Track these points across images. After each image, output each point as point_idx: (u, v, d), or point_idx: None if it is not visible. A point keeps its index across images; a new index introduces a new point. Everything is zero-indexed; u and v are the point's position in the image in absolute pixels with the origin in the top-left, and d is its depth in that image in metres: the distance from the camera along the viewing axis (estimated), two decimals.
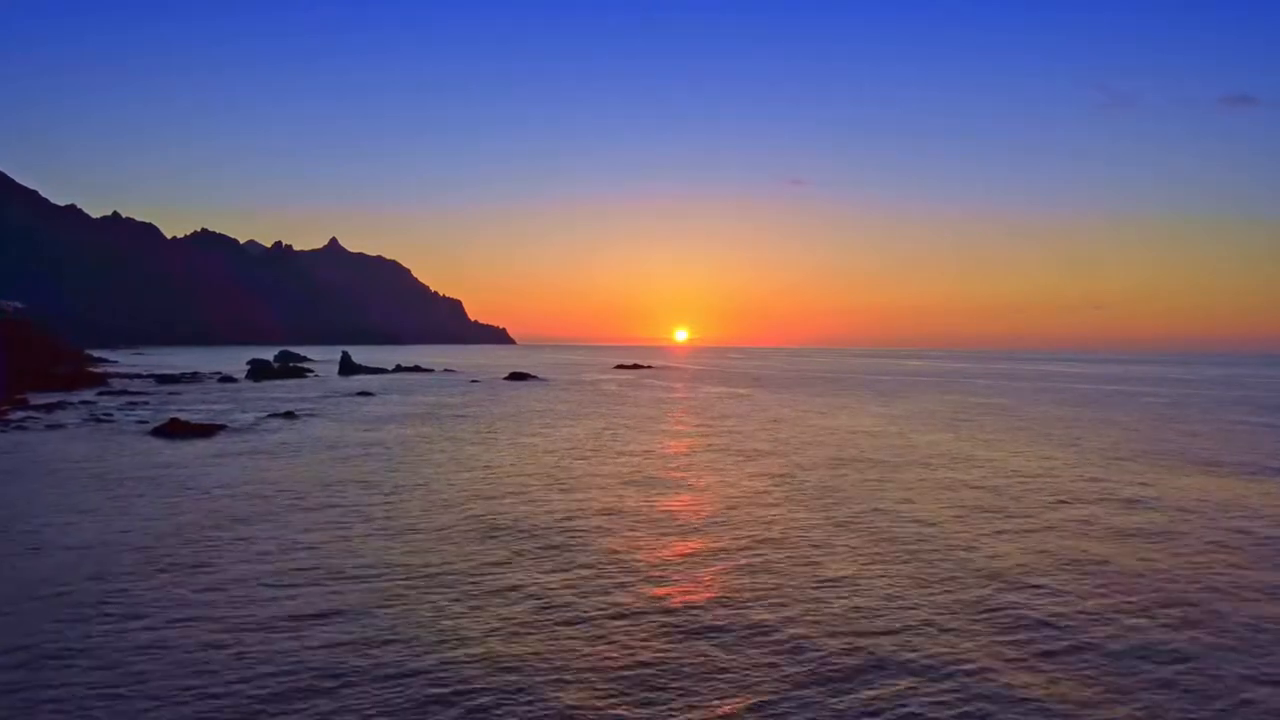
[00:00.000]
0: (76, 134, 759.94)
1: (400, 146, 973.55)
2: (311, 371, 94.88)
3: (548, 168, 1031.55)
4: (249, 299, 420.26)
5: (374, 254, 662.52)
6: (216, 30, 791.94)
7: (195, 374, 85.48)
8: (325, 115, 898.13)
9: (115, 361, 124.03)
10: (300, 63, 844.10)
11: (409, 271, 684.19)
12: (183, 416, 41.35)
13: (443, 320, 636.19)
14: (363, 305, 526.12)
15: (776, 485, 23.59)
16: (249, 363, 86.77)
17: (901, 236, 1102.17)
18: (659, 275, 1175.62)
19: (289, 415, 42.45)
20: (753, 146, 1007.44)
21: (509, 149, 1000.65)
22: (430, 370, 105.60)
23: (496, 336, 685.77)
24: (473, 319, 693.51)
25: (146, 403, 50.56)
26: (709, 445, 33.22)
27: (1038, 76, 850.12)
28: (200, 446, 30.83)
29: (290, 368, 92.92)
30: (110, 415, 41.69)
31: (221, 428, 36.22)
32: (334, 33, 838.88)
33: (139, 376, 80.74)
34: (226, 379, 76.28)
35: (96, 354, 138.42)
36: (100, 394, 56.76)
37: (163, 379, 75.06)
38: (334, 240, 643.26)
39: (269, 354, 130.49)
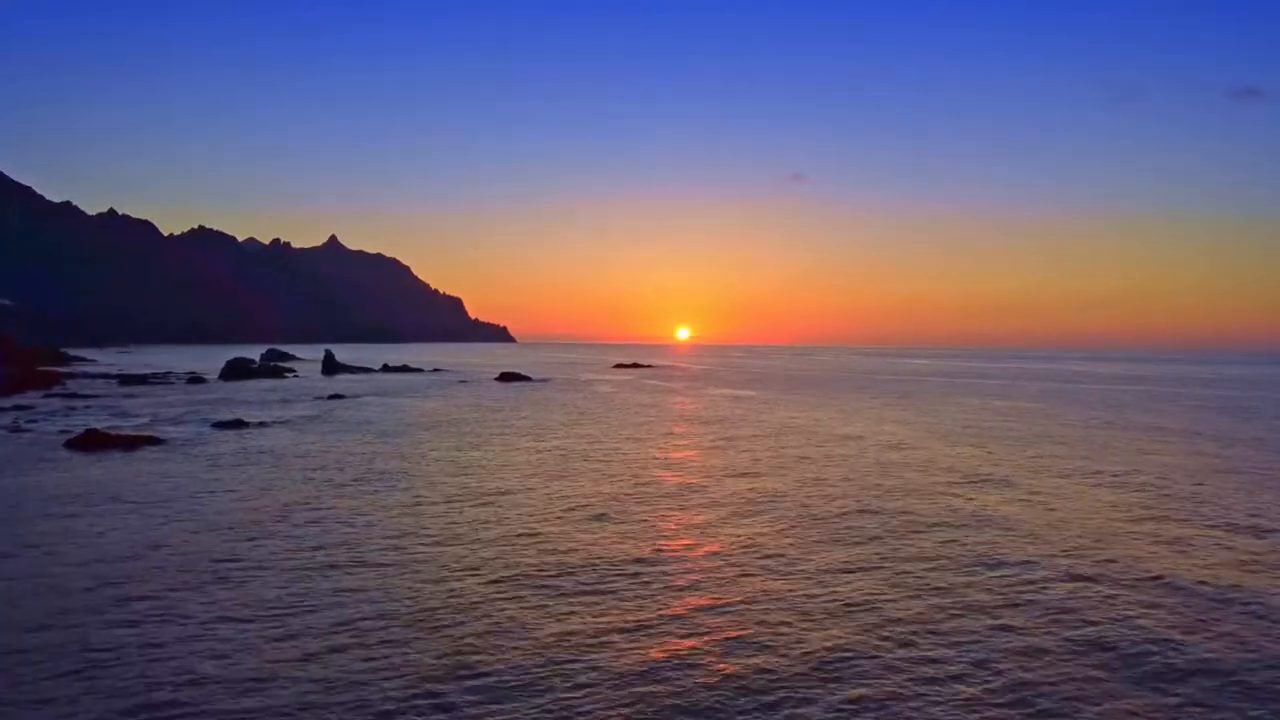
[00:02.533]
0: (73, 131, 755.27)
1: (399, 145, 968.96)
2: (292, 371, 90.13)
3: (547, 166, 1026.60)
4: (248, 297, 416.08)
5: (374, 252, 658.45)
6: (215, 28, 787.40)
7: (167, 374, 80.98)
8: (323, 113, 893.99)
9: (94, 360, 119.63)
10: (300, 61, 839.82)
11: (409, 270, 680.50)
12: (122, 425, 36.83)
13: (443, 318, 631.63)
14: (362, 303, 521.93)
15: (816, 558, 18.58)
16: (227, 362, 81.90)
17: (903, 233, 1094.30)
18: (660, 273, 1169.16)
19: (238, 424, 37.58)
20: (752, 143, 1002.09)
21: (508, 148, 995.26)
22: (419, 370, 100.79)
23: (497, 335, 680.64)
24: (473, 317, 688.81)
25: (89, 408, 45.80)
26: (710, 481, 28.27)
27: (1042, 72, 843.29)
28: (101, 467, 25.96)
29: (270, 367, 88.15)
30: (33, 423, 36.88)
31: (150, 440, 31.34)
32: (333, 31, 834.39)
33: (105, 377, 76.10)
34: (196, 379, 71.54)
35: (74, 353, 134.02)
36: (46, 396, 52.06)
37: (126, 379, 70.33)
38: (333, 238, 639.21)
39: (266, 352, 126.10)
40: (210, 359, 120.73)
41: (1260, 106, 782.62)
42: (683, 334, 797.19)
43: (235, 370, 78.23)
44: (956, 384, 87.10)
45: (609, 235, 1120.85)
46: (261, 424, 38.67)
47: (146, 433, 33.55)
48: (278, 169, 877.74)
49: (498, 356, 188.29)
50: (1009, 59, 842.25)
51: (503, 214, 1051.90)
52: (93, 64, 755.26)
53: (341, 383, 74.38)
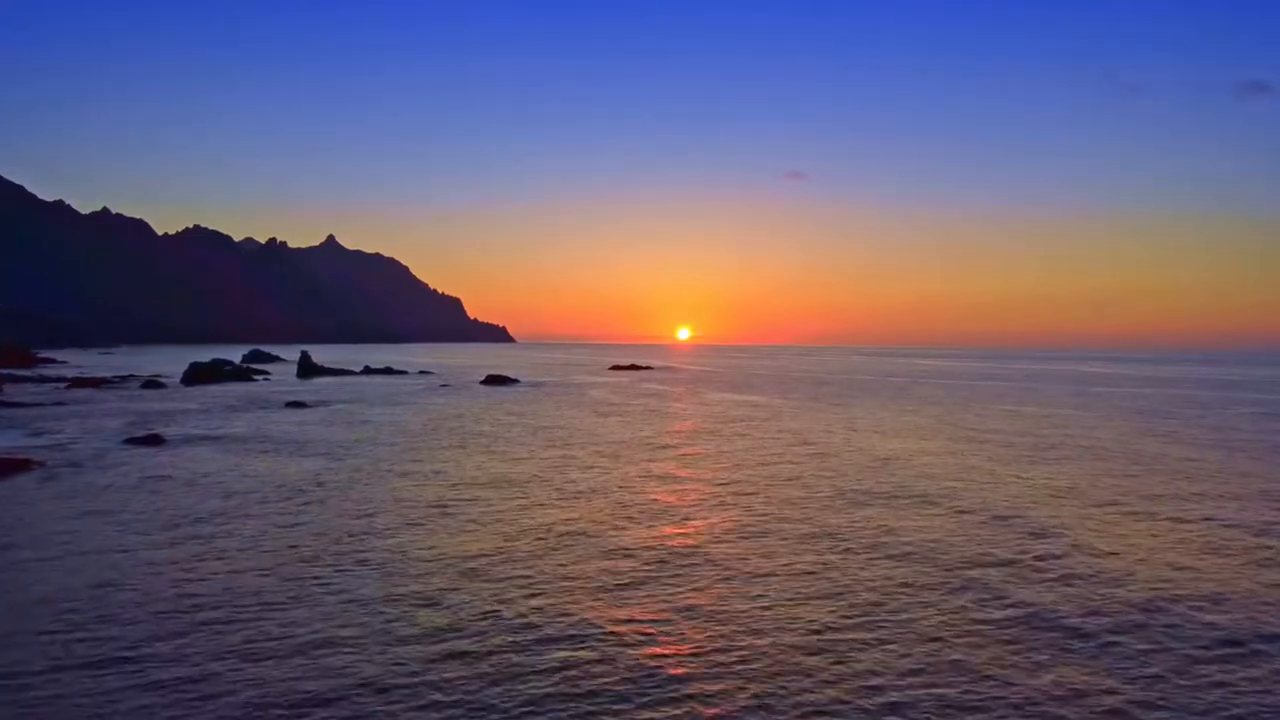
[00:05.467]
0: (65, 128, 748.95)
1: (398, 144, 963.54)
2: (265, 374, 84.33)
3: (546, 165, 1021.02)
4: (244, 296, 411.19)
5: (372, 252, 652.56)
6: (211, 25, 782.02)
7: (128, 377, 75.38)
8: (321, 112, 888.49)
9: (64, 362, 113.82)
10: (297, 59, 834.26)
11: (408, 270, 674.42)
12: (23, 442, 31.25)
13: (442, 318, 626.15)
14: (361, 303, 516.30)
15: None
16: (191, 365, 75.94)
17: (903, 231, 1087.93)
18: (660, 272, 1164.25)
19: (153, 440, 31.78)
20: (751, 140, 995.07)
21: (506, 147, 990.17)
22: (403, 372, 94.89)
23: (497, 335, 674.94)
24: (472, 317, 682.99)
25: (10, 417, 40.10)
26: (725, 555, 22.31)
27: (1042, 70, 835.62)
28: None
29: (241, 370, 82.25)
30: None
31: (24, 464, 25.57)
32: (331, 29, 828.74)
33: (60, 380, 70.30)
34: (153, 384, 65.79)
35: (51, 354, 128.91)
36: None
37: (78, 383, 64.68)
38: (331, 237, 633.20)
39: (249, 353, 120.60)
40: (195, 360, 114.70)
41: (1267, 101, 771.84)
42: (683, 334, 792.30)
43: (199, 373, 72.35)
44: (976, 387, 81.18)
45: (609, 235, 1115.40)
46: (186, 439, 32.94)
47: (33, 455, 27.84)
48: (274, 168, 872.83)
49: (492, 357, 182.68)
50: (1009, 55, 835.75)
51: (502, 214, 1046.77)
52: (87, 61, 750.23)
53: (312, 387, 68.63)
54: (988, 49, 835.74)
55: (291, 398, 53.97)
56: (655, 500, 21.57)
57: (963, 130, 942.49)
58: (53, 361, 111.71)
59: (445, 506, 20.30)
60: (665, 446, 32.89)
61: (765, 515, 19.58)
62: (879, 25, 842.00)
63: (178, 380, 70.90)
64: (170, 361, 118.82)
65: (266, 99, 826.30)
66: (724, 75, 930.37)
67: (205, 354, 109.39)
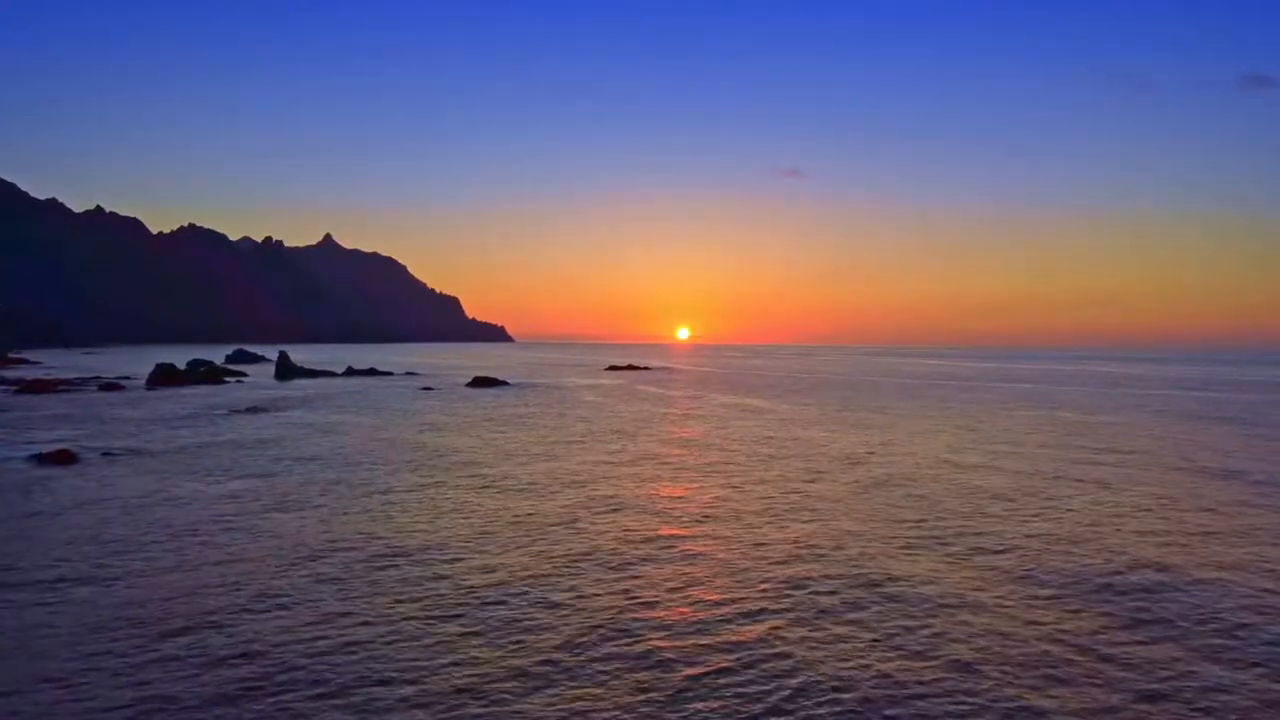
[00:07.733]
0: (59, 126, 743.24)
1: (395, 143, 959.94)
2: (242, 376, 80.00)
3: (543, 164, 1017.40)
4: (242, 296, 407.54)
5: (369, 251, 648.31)
6: (208, 22, 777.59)
7: (95, 378, 71.18)
8: (318, 110, 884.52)
9: (39, 363, 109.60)
10: (294, 58, 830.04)
11: (405, 269, 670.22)
12: None
13: (441, 317, 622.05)
14: (359, 302, 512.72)
15: None
16: (157, 366, 71.55)
17: (901, 229, 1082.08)
18: (659, 271, 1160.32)
19: (62, 458, 27.37)
20: (749, 138, 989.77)
21: (504, 146, 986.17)
22: (388, 373, 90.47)
23: (495, 335, 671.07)
24: (471, 317, 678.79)
25: None
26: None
27: (1042, 70, 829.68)
28: None
29: (215, 370, 77.98)
30: None
31: None
32: (329, 29, 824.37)
33: (17, 383, 65.94)
34: (112, 386, 61.59)
35: (25, 355, 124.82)
36: None
37: (31, 386, 60.34)
38: (328, 236, 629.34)
39: (233, 353, 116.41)
40: (182, 360, 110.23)
41: (1269, 95, 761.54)
42: (683, 334, 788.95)
43: (165, 376, 67.95)
44: (993, 389, 76.74)
45: (608, 234, 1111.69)
46: (107, 454, 28.59)
47: None
48: (271, 167, 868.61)
49: (488, 357, 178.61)
50: (1009, 55, 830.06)
51: (500, 213, 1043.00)
52: (81, 60, 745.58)
53: (284, 391, 64.28)
54: (988, 48, 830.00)
55: (253, 403, 49.63)
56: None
57: (962, 129, 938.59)
58: (25, 362, 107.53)
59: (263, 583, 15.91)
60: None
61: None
62: (879, 25, 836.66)
63: (142, 383, 66.59)
64: (151, 362, 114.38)
65: (262, 97, 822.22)
66: (723, 74, 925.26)
67: (198, 354, 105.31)
